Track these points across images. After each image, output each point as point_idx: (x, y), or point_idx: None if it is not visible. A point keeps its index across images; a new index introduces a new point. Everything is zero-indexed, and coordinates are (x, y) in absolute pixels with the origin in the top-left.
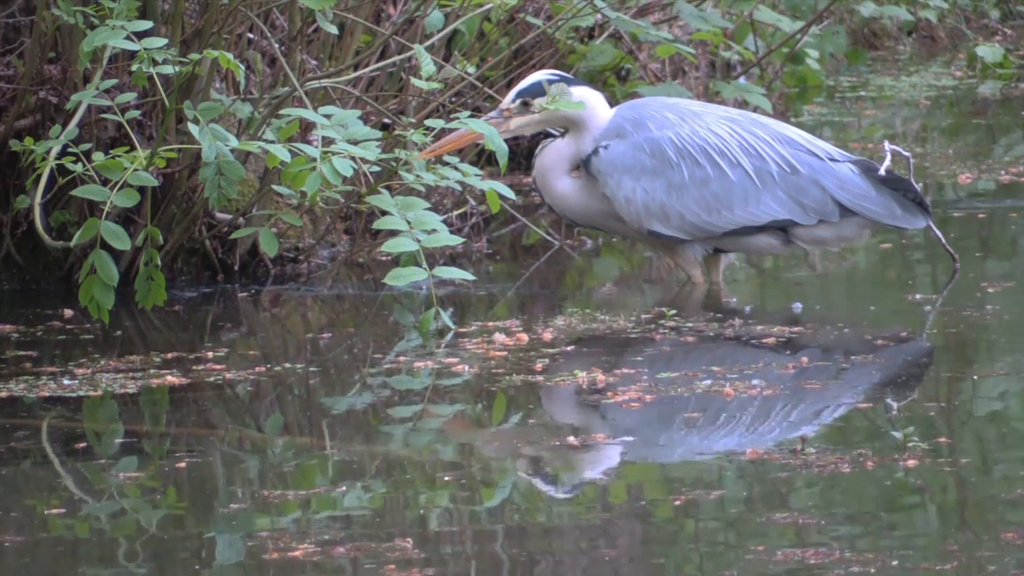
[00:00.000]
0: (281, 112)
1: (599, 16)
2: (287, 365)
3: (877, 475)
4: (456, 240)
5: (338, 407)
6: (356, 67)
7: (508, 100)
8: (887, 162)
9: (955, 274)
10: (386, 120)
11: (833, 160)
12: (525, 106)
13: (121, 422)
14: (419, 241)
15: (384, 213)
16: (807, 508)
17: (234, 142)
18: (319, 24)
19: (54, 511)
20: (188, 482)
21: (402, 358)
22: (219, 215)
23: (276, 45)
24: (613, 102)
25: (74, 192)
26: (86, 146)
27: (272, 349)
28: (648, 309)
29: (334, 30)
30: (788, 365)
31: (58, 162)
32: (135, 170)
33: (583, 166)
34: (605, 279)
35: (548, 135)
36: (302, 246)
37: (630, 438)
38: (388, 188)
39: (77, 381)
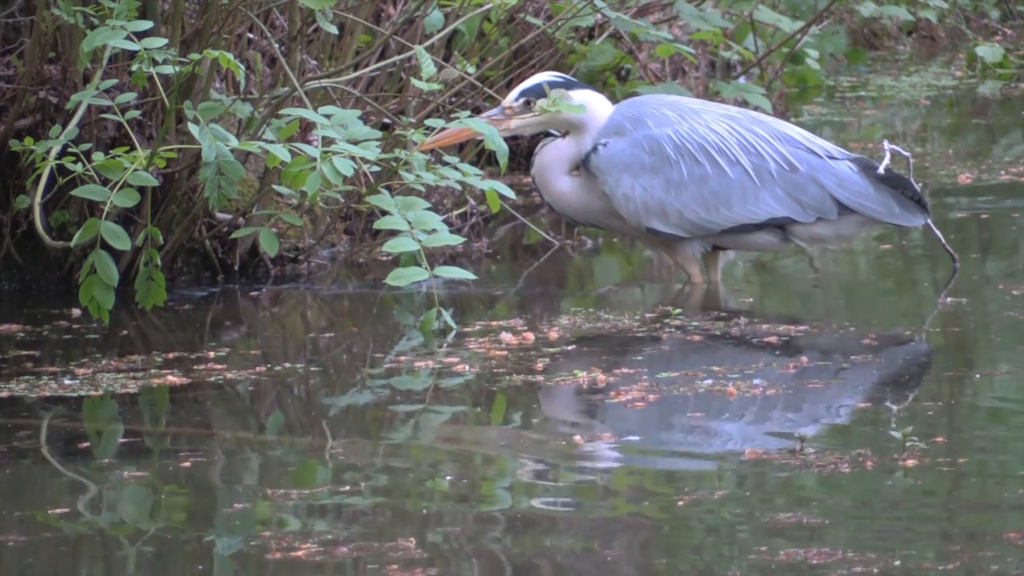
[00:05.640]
0: (281, 112)
1: (599, 16)
2: (288, 365)
3: (877, 475)
4: (456, 240)
5: (339, 407)
6: (356, 67)
7: (511, 98)
8: (886, 160)
9: (955, 274)
10: (386, 120)
11: (832, 158)
12: (527, 105)
13: (122, 422)
14: (419, 241)
15: (384, 213)
16: (808, 508)
17: (234, 142)
18: (319, 24)
19: (55, 511)
20: (190, 482)
21: (403, 358)
22: (219, 215)
23: (276, 45)
24: (613, 102)
25: (74, 192)
26: (86, 146)
27: (273, 349)
28: (652, 308)
29: (334, 30)
30: (789, 365)
31: (58, 162)
32: (135, 170)
33: (583, 164)
34: (606, 279)
35: (548, 135)
36: (302, 246)
37: (630, 438)
38: (388, 188)
39: (78, 381)
